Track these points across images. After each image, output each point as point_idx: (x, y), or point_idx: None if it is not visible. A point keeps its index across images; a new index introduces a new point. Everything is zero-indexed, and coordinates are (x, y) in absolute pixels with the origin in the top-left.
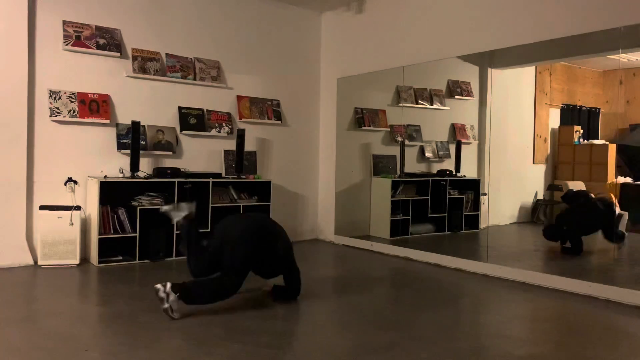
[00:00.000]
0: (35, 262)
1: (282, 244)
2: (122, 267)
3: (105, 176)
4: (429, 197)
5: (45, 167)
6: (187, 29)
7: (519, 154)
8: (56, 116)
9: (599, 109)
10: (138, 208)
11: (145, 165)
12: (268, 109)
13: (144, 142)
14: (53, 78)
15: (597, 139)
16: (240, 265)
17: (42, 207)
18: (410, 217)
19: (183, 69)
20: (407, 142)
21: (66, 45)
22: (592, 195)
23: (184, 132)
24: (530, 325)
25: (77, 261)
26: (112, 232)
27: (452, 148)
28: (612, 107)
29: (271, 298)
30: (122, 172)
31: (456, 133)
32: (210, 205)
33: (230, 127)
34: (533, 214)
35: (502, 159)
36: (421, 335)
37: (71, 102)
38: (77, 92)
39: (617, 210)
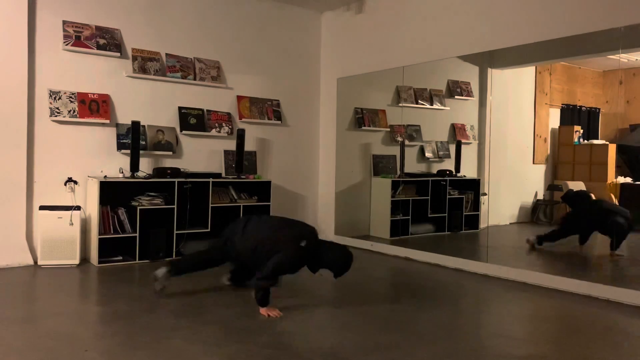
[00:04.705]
0: (35, 262)
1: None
2: (122, 267)
3: (105, 176)
4: (429, 197)
5: (45, 167)
6: (187, 29)
7: (519, 154)
8: (56, 116)
9: (599, 109)
10: (138, 208)
11: (145, 165)
12: (268, 109)
13: (144, 142)
14: (53, 78)
15: (597, 139)
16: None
17: (42, 207)
18: (410, 217)
19: (183, 69)
20: (407, 142)
21: (66, 45)
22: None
23: (184, 132)
24: (530, 325)
25: (77, 261)
26: (112, 232)
27: (452, 148)
28: (612, 107)
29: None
30: (122, 172)
31: (456, 133)
32: (210, 205)
33: (230, 127)
34: (533, 214)
35: (502, 159)
36: (421, 335)
37: (71, 102)
38: (77, 92)
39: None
